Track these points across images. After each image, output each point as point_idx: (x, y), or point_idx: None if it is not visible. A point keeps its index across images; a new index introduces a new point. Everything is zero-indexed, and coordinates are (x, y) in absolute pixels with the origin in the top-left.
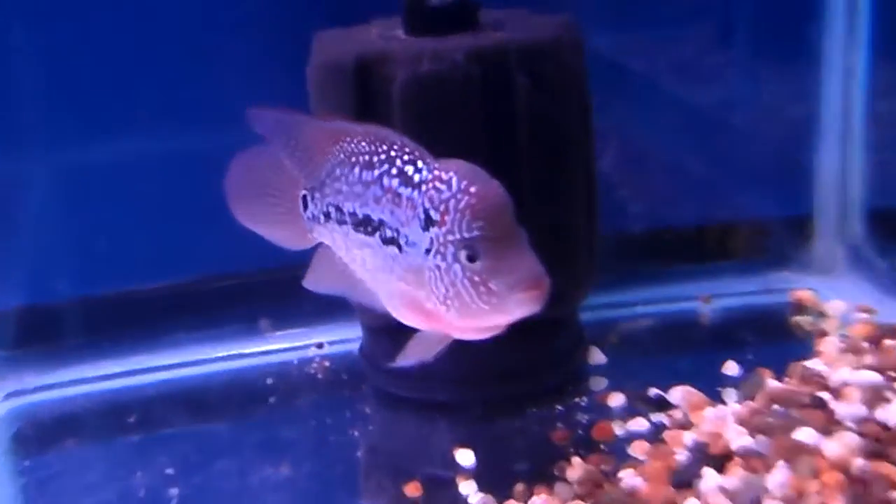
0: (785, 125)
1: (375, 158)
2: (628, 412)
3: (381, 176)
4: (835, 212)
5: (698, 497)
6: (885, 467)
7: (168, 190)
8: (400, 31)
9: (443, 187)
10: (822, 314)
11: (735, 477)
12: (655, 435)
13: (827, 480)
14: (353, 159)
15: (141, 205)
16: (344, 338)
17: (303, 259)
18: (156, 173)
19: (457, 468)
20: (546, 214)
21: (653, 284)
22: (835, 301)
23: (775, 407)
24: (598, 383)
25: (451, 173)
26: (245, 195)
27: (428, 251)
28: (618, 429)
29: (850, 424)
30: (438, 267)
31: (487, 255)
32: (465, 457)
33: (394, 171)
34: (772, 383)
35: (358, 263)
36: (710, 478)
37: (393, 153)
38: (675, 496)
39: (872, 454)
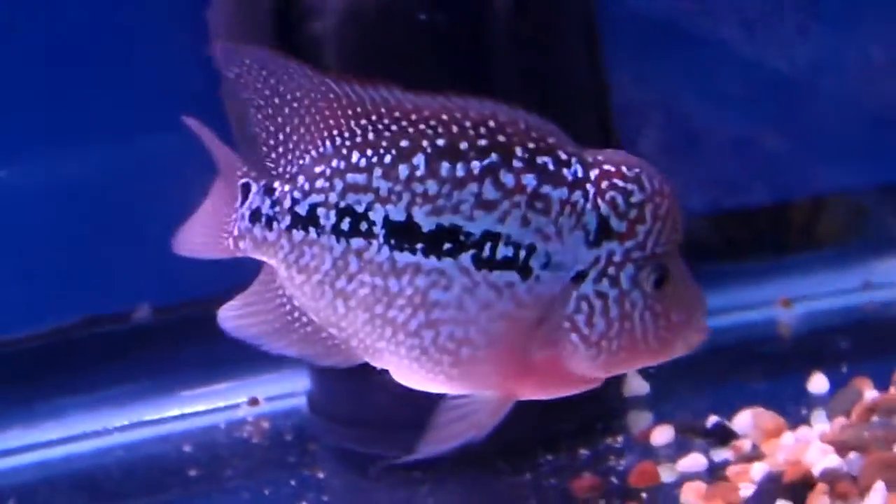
0: (879, 83)
1: (464, 145)
2: (679, 450)
3: (489, 170)
4: None
5: None
6: None
7: (43, 211)
8: None
9: (630, 186)
10: None
11: None
12: (715, 475)
13: None
14: (406, 145)
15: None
16: (287, 391)
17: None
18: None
19: None
20: None
21: (716, 286)
22: None
23: (874, 419)
24: (639, 419)
25: (633, 166)
26: None
27: (580, 276)
28: (665, 473)
29: None
30: (602, 296)
31: (676, 277)
32: None
33: (516, 161)
34: (872, 394)
35: (354, 302)
36: None
37: (493, 140)
38: None
39: None
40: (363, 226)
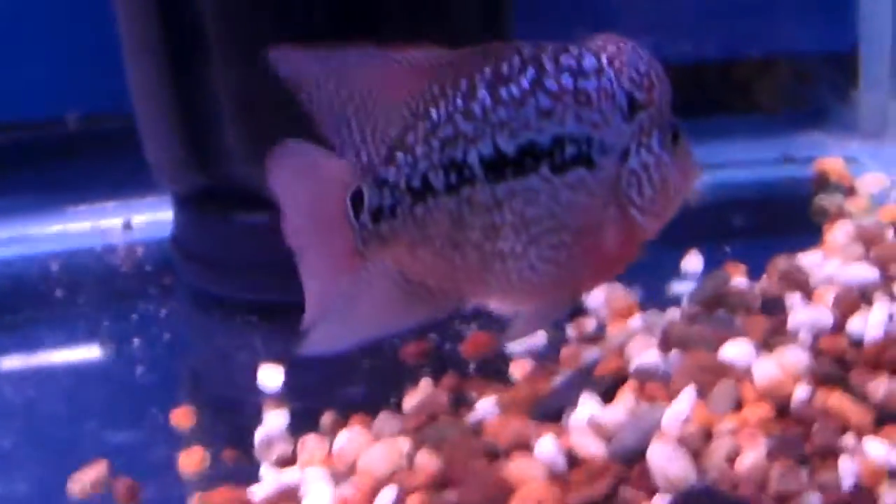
0: None
1: (505, 69)
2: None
3: (537, 81)
4: (889, 53)
5: (559, 435)
6: (837, 399)
7: None
8: None
9: (634, 59)
10: (851, 191)
11: (620, 406)
12: (553, 353)
13: (749, 416)
14: (465, 86)
15: None
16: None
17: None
18: None
19: (258, 392)
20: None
21: None
22: (873, 174)
23: (720, 313)
24: None
25: (625, 43)
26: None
27: (625, 153)
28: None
29: (804, 337)
30: (645, 165)
31: (682, 130)
32: (271, 377)
33: (549, 68)
34: (739, 282)
35: (469, 248)
36: (585, 408)
37: (523, 56)
38: (528, 433)
39: (824, 380)
40: (466, 172)
